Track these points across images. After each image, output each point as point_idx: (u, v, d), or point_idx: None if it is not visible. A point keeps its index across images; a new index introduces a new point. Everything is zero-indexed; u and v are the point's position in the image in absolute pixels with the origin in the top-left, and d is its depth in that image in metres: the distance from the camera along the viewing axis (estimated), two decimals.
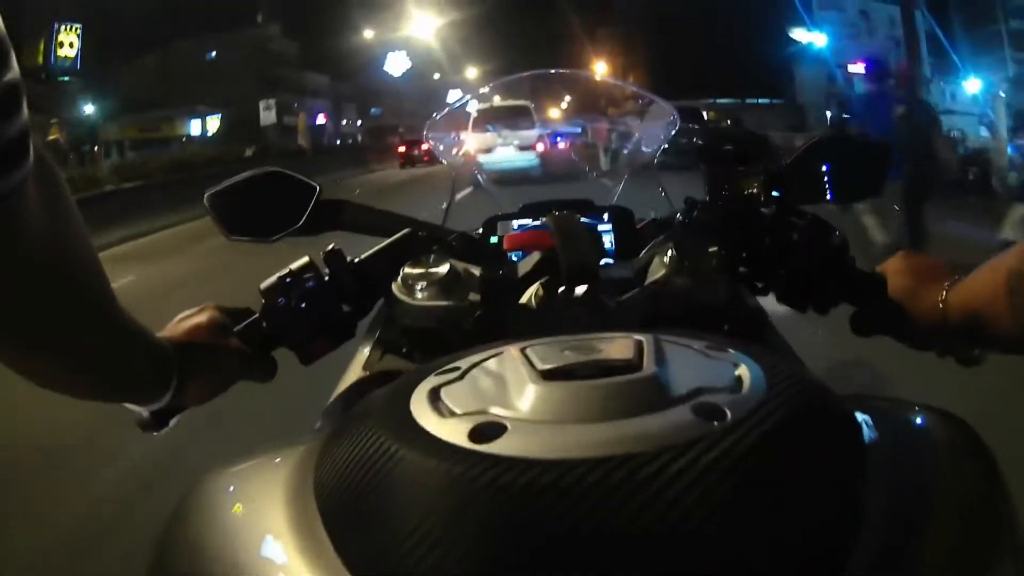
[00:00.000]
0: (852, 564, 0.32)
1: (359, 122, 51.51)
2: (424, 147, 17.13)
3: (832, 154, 0.75)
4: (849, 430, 0.39)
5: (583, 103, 1.40)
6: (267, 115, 23.63)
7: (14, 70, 0.33)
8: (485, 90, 1.31)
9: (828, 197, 0.74)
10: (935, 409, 0.44)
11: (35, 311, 0.42)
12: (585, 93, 1.38)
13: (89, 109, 20.15)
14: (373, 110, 53.92)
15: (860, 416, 0.40)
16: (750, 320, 0.75)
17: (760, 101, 20.82)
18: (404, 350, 0.73)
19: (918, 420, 0.44)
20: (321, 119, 44.92)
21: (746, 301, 0.76)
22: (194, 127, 30.56)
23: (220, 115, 26.25)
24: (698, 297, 0.65)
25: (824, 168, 0.74)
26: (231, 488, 0.44)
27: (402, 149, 21.43)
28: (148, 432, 0.61)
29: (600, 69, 38.18)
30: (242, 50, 34.71)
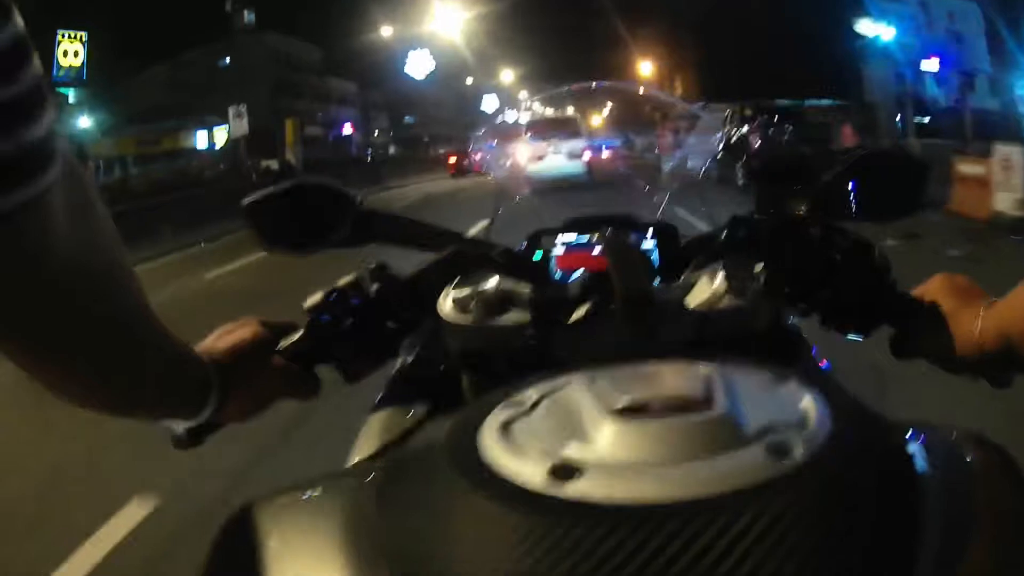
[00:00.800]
0: None
1: (391, 132, 52.08)
2: (476, 156, 20.06)
3: (873, 170, 0.78)
4: (907, 463, 0.42)
5: (628, 114, 1.48)
6: (237, 124, 21.07)
7: (37, 70, 0.33)
8: (529, 102, 1.39)
9: (868, 215, 0.77)
10: (973, 434, 0.47)
11: (65, 324, 0.42)
12: (630, 104, 1.46)
13: (85, 123, 20.49)
14: (408, 118, 54.77)
15: (911, 446, 0.44)
16: (792, 343, 0.79)
17: (822, 102, 20.14)
18: (443, 368, 0.77)
19: (959, 447, 0.46)
20: (348, 129, 45.23)
21: (787, 324, 0.80)
22: (200, 139, 30.64)
23: (227, 126, 25.59)
24: (744, 320, 0.69)
25: (865, 185, 0.77)
26: (278, 518, 0.45)
27: (452, 160, 24.67)
28: (181, 449, 0.63)
29: (645, 70, 38.20)
30: (257, 56, 35.31)
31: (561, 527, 0.34)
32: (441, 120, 57.89)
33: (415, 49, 40.16)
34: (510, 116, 1.28)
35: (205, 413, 0.57)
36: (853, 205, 0.78)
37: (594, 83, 1.18)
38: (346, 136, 44.85)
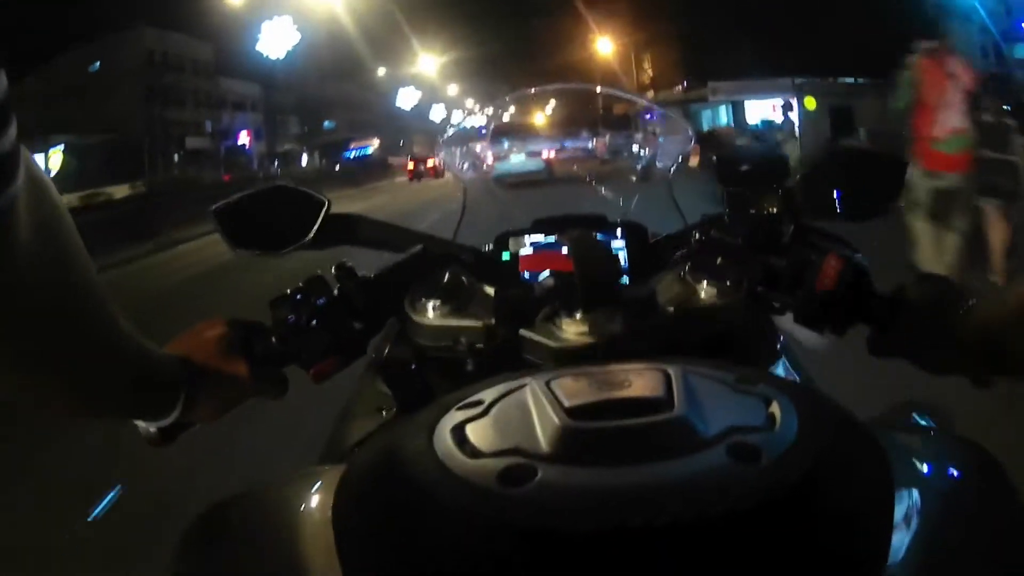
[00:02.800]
0: None
1: (308, 138, 51.82)
2: (430, 163, 28.47)
3: (847, 168, 0.94)
4: (879, 464, 0.49)
5: (587, 116, 1.79)
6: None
7: (2, 87, 0.41)
8: (479, 109, 1.65)
9: (843, 213, 0.92)
10: (956, 437, 0.60)
11: (31, 333, 0.51)
12: (589, 106, 1.70)
13: None
14: (327, 123, 55.17)
15: (888, 447, 0.51)
16: (766, 342, 0.94)
17: (857, 80, 19.34)
18: (413, 368, 0.92)
19: (940, 448, 0.59)
20: (244, 138, 44.71)
21: (762, 322, 0.95)
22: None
23: (62, 145, 25.01)
24: (716, 319, 0.83)
25: (839, 183, 0.93)
26: (243, 515, 0.56)
27: (411, 166, 33.49)
28: (154, 446, 0.76)
29: (604, 49, 38.57)
30: (127, 57, 34.50)
31: (513, 527, 0.39)
32: (368, 124, 58.40)
33: (270, 19, 37.94)
34: (468, 122, 1.51)
35: (175, 413, 0.70)
36: (827, 203, 0.93)
37: (557, 85, 1.39)
38: (240, 146, 44.43)
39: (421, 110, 63.15)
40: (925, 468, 0.54)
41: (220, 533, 0.54)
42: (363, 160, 46.83)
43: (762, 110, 26.87)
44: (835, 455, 0.45)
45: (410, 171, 33.36)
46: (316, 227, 0.91)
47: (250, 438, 2.51)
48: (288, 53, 39.82)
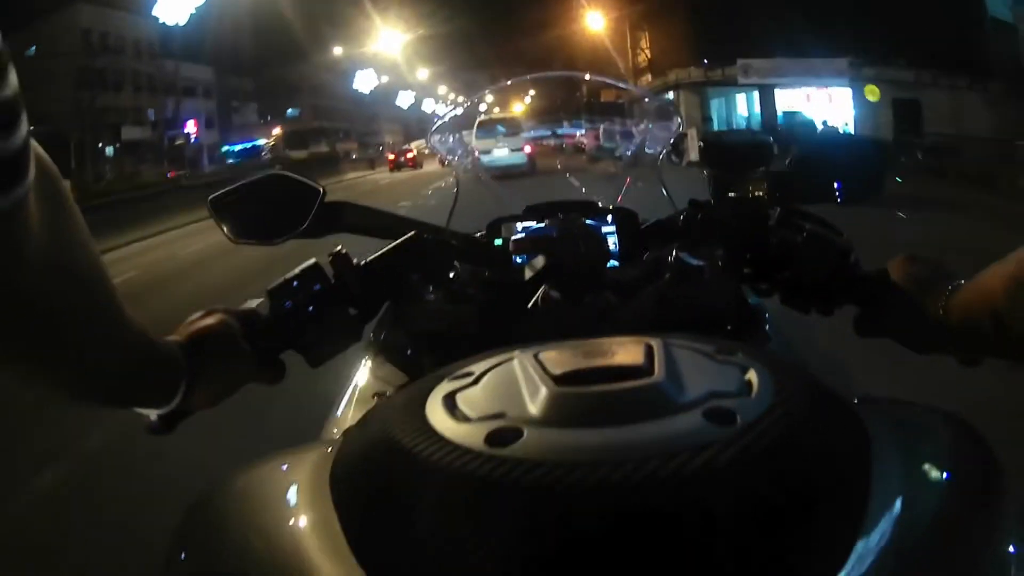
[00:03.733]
0: (854, 564, 0.45)
1: (275, 129, 52.03)
2: (409, 154, 40.24)
3: (833, 153, 1.07)
4: (856, 433, 0.55)
5: (571, 105, 1.93)
6: None
7: (12, 84, 0.45)
8: (460, 99, 1.82)
9: (830, 197, 1.05)
10: (940, 410, 0.66)
11: (41, 324, 0.57)
12: (575, 95, 1.87)
13: None
14: (290, 111, 55.43)
15: (866, 418, 0.58)
16: (753, 322, 1.06)
17: (922, 72, 16.21)
18: (409, 352, 1.04)
19: (924, 421, 0.66)
20: (191, 127, 44.25)
21: (749, 303, 1.08)
22: None
23: None
24: (702, 299, 0.95)
25: (826, 168, 1.06)
26: (245, 490, 0.63)
27: (391, 156, 43.30)
28: (156, 435, 0.84)
29: (595, 24, 37.26)
30: (61, 39, 33.83)
31: (498, 482, 0.46)
32: (337, 112, 58.72)
33: None
34: (456, 111, 1.66)
35: (175, 401, 0.79)
36: (816, 187, 1.06)
37: (539, 74, 1.54)
38: (186, 135, 44.12)
39: (388, 96, 63.50)
40: (905, 439, 0.60)
41: (222, 510, 0.61)
42: (251, 155, 46.96)
43: (791, 100, 25.01)
44: (809, 421, 0.52)
45: (391, 161, 43.18)
46: (311, 215, 1.03)
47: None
48: (192, 18, 39.39)
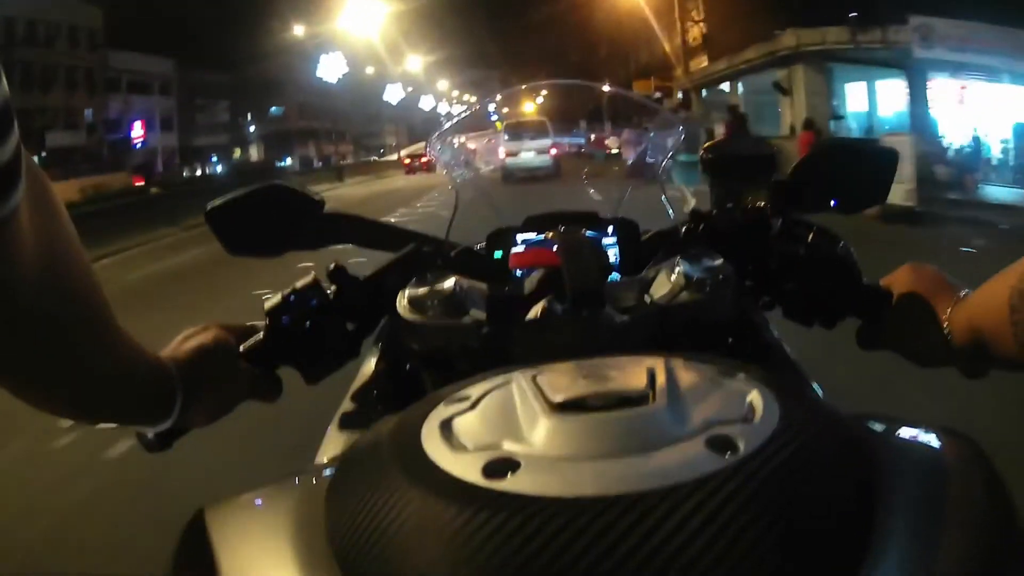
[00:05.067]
0: None
1: (249, 128, 53.05)
2: (423, 159, 44.68)
3: (838, 161, 1.21)
4: (861, 458, 0.63)
5: (595, 108, 2.20)
6: None
7: (4, 92, 0.51)
8: (479, 104, 2.07)
9: (833, 206, 1.20)
10: (945, 429, 0.73)
11: (32, 335, 0.66)
12: (586, 103, 2.16)
13: None
14: (273, 109, 56.57)
15: (870, 441, 0.67)
16: (756, 336, 1.21)
17: None
18: (408, 367, 1.19)
19: (928, 441, 0.72)
20: (138, 130, 43.91)
21: (752, 316, 1.23)
22: None
23: None
24: (704, 314, 1.09)
25: (830, 176, 1.20)
26: (235, 521, 0.71)
27: (407, 161, 52.74)
28: (152, 452, 0.98)
29: None
30: None
31: (496, 519, 0.53)
32: (325, 110, 59.70)
33: None
34: (460, 115, 1.91)
35: (171, 418, 0.91)
36: (819, 197, 1.21)
37: (552, 81, 1.79)
38: (127, 138, 43.79)
39: (408, 100, 64.28)
40: (910, 463, 0.68)
41: (214, 536, 0.69)
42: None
43: (940, 92, 18.19)
44: (814, 448, 0.60)
45: (406, 164, 53.30)
46: (311, 227, 1.22)
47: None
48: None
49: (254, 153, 58.22)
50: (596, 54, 49.84)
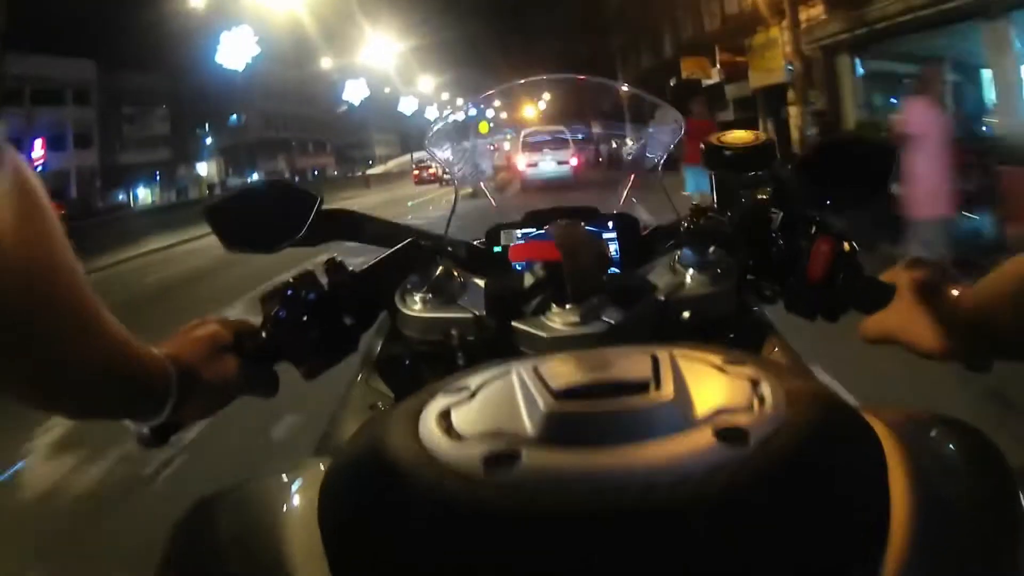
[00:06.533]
0: None
1: (203, 142, 53.09)
2: (431, 171, 54.48)
3: (839, 157, 1.36)
4: (869, 446, 0.73)
5: (575, 108, 2.66)
6: None
7: None
8: (470, 104, 2.33)
9: (834, 202, 1.36)
10: (950, 419, 0.87)
11: (15, 327, 0.78)
12: (577, 97, 2.45)
13: None
14: (233, 118, 57.40)
15: (879, 431, 0.77)
16: (757, 329, 1.41)
17: None
18: (407, 362, 1.38)
19: (935, 431, 0.86)
20: (38, 150, 43.17)
21: (752, 309, 1.43)
22: None
23: None
24: (705, 307, 1.28)
25: (831, 172, 1.35)
26: (231, 510, 0.86)
27: (416, 172, 61.15)
28: (148, 448, 1.13)
29: None
30: None
31: (495, 511, 0.61)
32: (300, 120, 61.05)
33: None
34: (454, 117, 2.14)
35: (165, 412, 1.06)
36: (819, 191, 1.38)
37: (540, 77, 2.04)
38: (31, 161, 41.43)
39: (381, 102, 64.69)
40: (919, 452, 0.78)
41: (209, 527, 0.81)
42: None
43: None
44: (822, 436, 0.69)
45: (416, 175, 59.70)
46: (308, 223, 1.37)
47: None
48: None
49: (207, 170, 58.61)
50: (610, 41, 48.79)
